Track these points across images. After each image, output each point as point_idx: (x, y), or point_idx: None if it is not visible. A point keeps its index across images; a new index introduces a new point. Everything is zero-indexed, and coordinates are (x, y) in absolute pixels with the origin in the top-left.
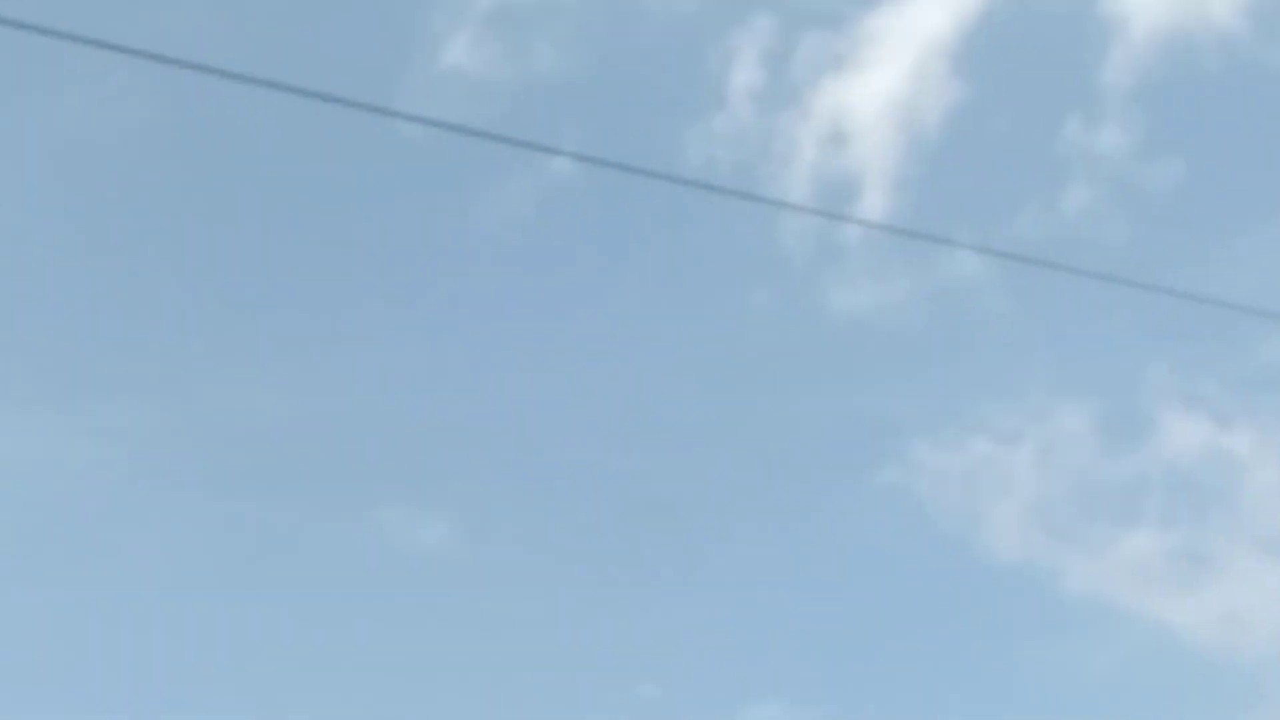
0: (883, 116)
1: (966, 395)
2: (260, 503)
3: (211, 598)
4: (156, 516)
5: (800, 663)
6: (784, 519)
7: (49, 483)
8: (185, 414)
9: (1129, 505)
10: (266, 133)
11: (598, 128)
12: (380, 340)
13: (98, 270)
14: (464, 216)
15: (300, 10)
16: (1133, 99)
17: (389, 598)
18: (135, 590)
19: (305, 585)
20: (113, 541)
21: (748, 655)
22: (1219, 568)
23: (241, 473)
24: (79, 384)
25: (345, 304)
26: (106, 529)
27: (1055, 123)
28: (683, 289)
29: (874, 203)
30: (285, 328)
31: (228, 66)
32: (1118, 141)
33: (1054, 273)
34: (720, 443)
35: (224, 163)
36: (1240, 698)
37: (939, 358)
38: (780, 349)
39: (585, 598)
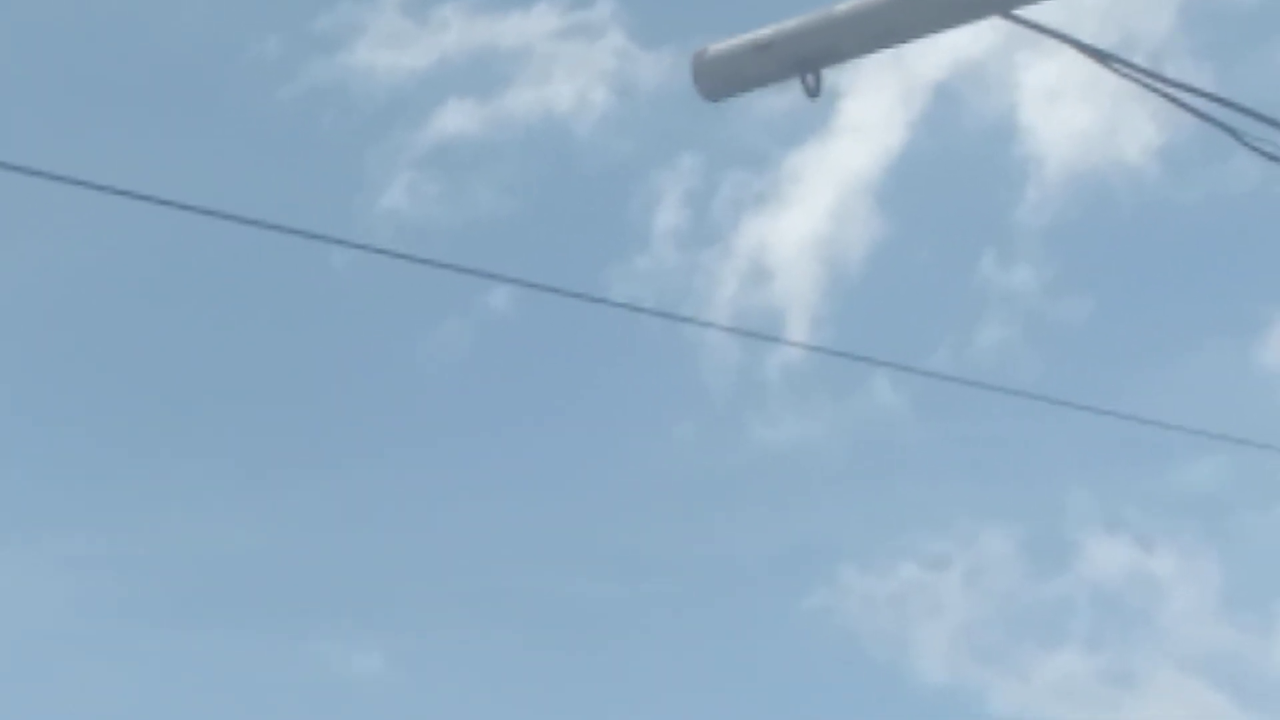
0: (804, 253)
1: (893, 521)
2: (203, 634)
3: None
4: (107, 647)
5: None
6: (715, 644)
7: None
8: (137, 547)
9: (1054, 627)
10: (218, 270)
11: (527, 269)
12: (322, 472)
13: (54, 405)
14: (405, 352)
15: (235, 155)
16: (1046, 237)
17: None
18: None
19: (245, 715)
20: (68, 672)
21: None
22: (1142, 687)
23: (187, 604)
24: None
25: (290, 438)
26: (63, 660)
27: (971, 260)
28: (613, 421)
29: (795, 337)
30: (230, 462)
31: (181, 201)
32: (1031, 278)
33: (971, 402)
34: (652, 569)
35: (176, 299)
36: None
37: (863, 486)
38: (707, 478)
39: None
